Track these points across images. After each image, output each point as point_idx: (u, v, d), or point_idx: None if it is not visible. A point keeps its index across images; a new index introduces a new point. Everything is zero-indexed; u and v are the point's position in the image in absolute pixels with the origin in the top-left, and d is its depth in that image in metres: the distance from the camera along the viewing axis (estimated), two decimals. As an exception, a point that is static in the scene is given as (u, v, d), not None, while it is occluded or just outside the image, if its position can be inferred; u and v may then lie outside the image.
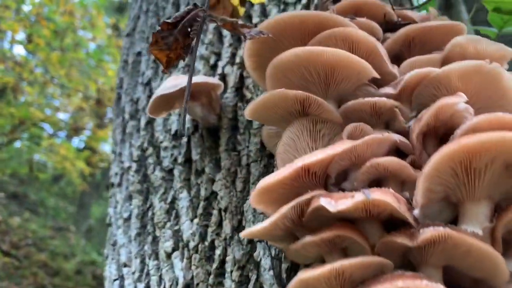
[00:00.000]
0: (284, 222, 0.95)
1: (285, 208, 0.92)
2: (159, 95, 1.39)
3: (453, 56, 1.13)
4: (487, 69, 0.99)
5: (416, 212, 0.88)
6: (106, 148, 15.68)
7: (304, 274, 0.86)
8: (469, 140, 0.80)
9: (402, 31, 1.17)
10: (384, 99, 1.04)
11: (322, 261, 0.99)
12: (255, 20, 1.61)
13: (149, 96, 1.80)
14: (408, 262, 0.93)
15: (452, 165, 0.84)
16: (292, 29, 1.16)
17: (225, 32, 1.67)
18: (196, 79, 1.40)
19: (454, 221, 0.93)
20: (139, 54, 1.98)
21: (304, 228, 0.97)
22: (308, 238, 0.92)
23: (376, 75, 1.06)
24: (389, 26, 1.29)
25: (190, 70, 1.04)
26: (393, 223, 0.94)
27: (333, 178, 1.01)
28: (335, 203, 0.86)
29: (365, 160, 0.99)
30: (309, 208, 0.92)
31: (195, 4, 1.10)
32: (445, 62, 1.14)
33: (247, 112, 1.13)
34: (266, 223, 0.93)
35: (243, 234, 0.97)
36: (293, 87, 1.12)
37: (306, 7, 1.59)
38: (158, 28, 1.07)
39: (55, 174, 16.99)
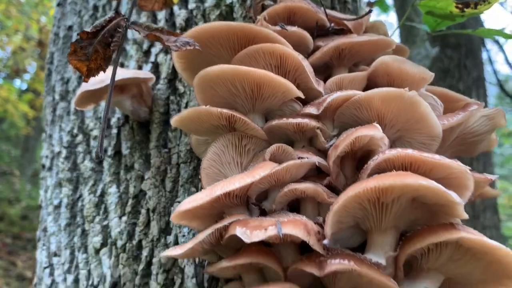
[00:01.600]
0: (203, 246, 0.97)
1: (202, 236, 0.94)
2: (84, 90, 1.33)
3: (378, 73, 1.15)
4: (407, 97, 1.02)
5: (326, 241, 0.92)
6: (51, 90, 15.00)
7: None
8: (375, 183, 0.84)
9: (332, 44, 1.16)
10: (306, 120, 1.05)
11: (240, 278, 1.03)
12: (191, 5, 1.55)
13: (80, 78, 1.72)
14: (321, 284, 0.99)
15: (360, 201, 0.88)
16: (220, 38, 1.13)
17: (160, 16, 1.60)
18: (125, 73, 1.35)
19: (364, 244, 0.99)
20: (70, 28, 1.86)
21: (224, 247, 1.00)
22: (224, 264, 0.95)
23: (300, 95, 1.07)
24: (321, 32, 1.28)
25: (110, 85, 1.00)
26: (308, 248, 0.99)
27: (253, 198, 1.04)
28: (250, 234, 0.89)
29: (285, 183, 1.01)
30: (226, 234, 0.95)
31: (116, 12, 1.04)
32: (370, 79, 1.16)
33: (173, 122, 1.12)
34: (184, 248, 0.95)
35: (162, 255, 0.99)
36: (220, 99, 1.11)
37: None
38: (77, 37, 1.01)
39: (-5, 117, 16.20)
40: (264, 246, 0.99)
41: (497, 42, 12.17)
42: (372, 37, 1.15)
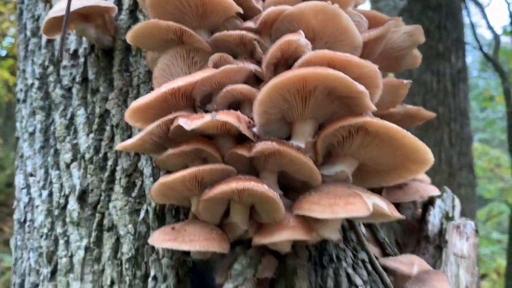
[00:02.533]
0: (152, 138, 1.14)
1: (151, 126, 1.10)
2: (50, 17, 1.46)
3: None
4: (330, 9, 1.17)
5: (255, 129, 1.09)
6: (31, 57, 14.82)
7: (164, 178, 1.07)
8: (292, 73, 1.00)
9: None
10: (244, 32, 1.20)
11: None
12: None
13: (49, 14, 1.84)
14: (254, 169, 1.17)
15: (282, 92, 1.05)
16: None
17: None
18: (89, 2, 1.48)
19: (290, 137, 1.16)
20: (38, -32, 1.96)
21: (172, 142, 1.17)
22: (170, 151, 1.12)
23: (239, 10, 1.21)
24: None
25: (67, 4, 1.14)
26: (245, 138, 1.15)
27: (198, 100, 1.20)
28: (190, 122, 1.05)
29: (224, 86, 1.17)
30: (172, 126, 1.11)
31: None
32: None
33: (128, 37, 1.26)
34: (135, 138, 1.12)
35: (117, 147, 1.15)
36: (170, 17, 1.25)
37: None
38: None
39: (-24, 84, 15.97)
40: (206, 139, 1.15)
41: (478, 4, 12.27)
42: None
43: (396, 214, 1.08)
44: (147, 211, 1.35)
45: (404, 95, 1.34)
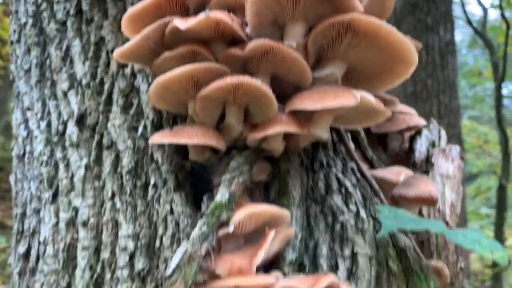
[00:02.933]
0: (148, 43, 1.19)
1: (146, 30, 1.15)
2: None
3: None
4: None
5: (248, 30, 1.14)
6: (17, 39, 14.63)
7: (161, 77, 1.12)
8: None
9: None
10: None
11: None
12: None
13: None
14: (248, 73, 1.22)
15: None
16: None
17: None
18: None
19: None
20: None
21: (167, 48, 1.22)
22: (167, 53, 1.17)
23: None
24: None
25: None
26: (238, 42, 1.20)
27: (192, 9, 1.24)
28: (185, 22, 1.10)
29: (217, -7, 1.22)
30: (167, 29, 1.16)
31: None
32: None
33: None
34: (131, 42, 1.16)
35: (114, 54, 1.20)
36: None
37: None
38: None
39: (-39, 68, 15.77)
40: (201, 42, 1.20)
41: (466, -22, 12.31)
42: None
43: (381, 107, 1.14)
44: (145, 125, 1.40)
45: (391, 8, 1.39)
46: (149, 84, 1.42)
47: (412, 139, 1.96)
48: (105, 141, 1.46)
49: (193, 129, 1.16)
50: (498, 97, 10.15)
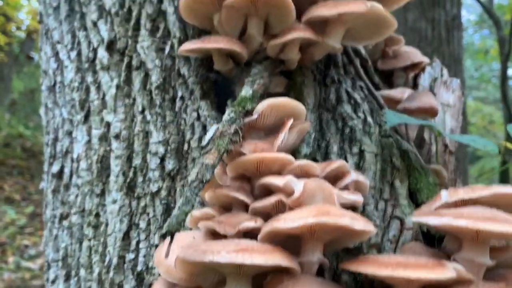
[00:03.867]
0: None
1: None
2: None
3: None
4: None
5: None
6: (22, 16, 14.74)
7: None
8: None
9: None
10: None
11: None
12: None
13: None
14: None
15: None
16: None
17: None
18: None
19: None
20: None
21: None
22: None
23: None
24: None
25: None
26: None
27: None
28: None
29: None
30: None
31: None
32: None
33: None
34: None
35: None
36: None
37: None
38: None
39: (-33, 43, 15.87)
40: None
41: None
42: None
43: (389, 15, 1.27)
44: (171, 46, 1.54)
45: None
46: (175, 7, 1.56)
47: (416, 77, 2.10)
48: (134, 62, 1.60)
49: (219, 37, 1.30)
50: (504, 72, 10.22)
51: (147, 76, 1.56)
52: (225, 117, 1.14)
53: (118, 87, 1.61)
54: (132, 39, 1.63)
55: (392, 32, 1.36)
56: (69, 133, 1.76)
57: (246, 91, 1.21)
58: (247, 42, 1.35)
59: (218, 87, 1.45)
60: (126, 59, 1.62)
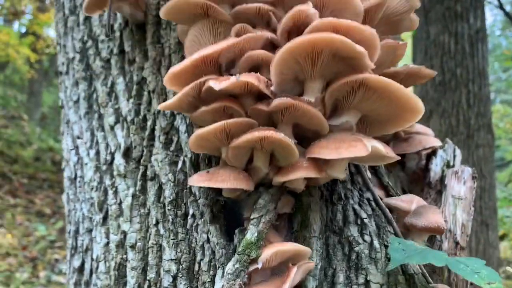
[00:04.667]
0: (187, 98, 1.37)
1: (186, 88, 1.34)
2: (91, -3, 1.69)
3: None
4: (334, -18, 1.36)
5: (272, 88, 1.31)
6: (51, 33, 15.15)
7: (199, 131, 1.31)
8: (302, 38, 1.22)
9: None
10: (261, 4, 1.41)
11: (217, 124, 1.44)
12: None
13: (85, -7, 2.06)
14: (273, 123, 1.40)
15: (294, 55, 1.27)
16: None
17: None
18: (122, -18, 1.70)
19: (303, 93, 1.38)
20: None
21: (203, 102, 1.40)
22: (203, 108, 1.36)
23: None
24: None
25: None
26: (264, 97, 1.38)
27: (224, 66, 1.42)
28: (219, 83, 1.28)
29: (245, 52, 1.39)
30: (203, 87, 1.34)
31: None
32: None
33: (161, 13, 1.48)
34: (174, 99, 1.35)
35: (160, 107, 1.39)
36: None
37: None
38: None
39: (-2, 62, 16.39)
40: (232, 98, 1.38)
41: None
42: None
43: (391, 154, 1.31)
44: (184, 161, 1.60)
45: (403, 55, 1.53)
46: (186, 125, 1.62)
47: (429, 157, 2.10)
48: (149, 173, 1.67)
49: (226, 172, 1.35)
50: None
51: (160, 188, 1.63)
52: (230, 268, 1.19)
53: (134, 196, 1.68)
54: (147, 149, 1.70)
55: (395, 160, 1.38)
56: (89, 231, 1.84)
57: (251, 234, 1.25)
58: (253, 172, 1.39)
59: (227, 210, 1.50)
60: (141, 168, 1.69)
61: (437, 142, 2.05)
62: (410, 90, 1.30)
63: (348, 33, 1.28)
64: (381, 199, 1.64)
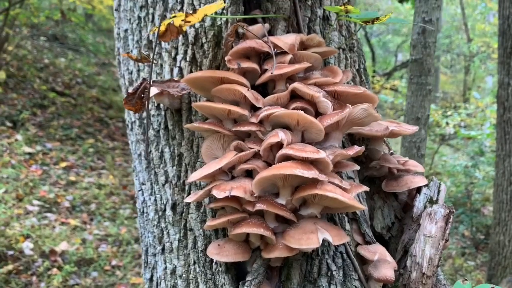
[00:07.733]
0: (202, 196, 2.07)
1: (201, 191, 2.03)
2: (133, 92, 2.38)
3: (293, 93, 2.04)
4: (298, 113, 1.92)
5: (255, 195, 1.96)
6: None
7: (213, 221, 2.02)
8: (270, 171, 1.84)
9: (267, 75, 2.05)
10: (251, 127, 2.02)
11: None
12: (197, 25, 2.43)
13: (138, 71, 2.75)
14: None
15: (269, 178, 1.89)
16: (203, 79, 2.08)
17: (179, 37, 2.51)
18: (160, 87, 2.36)
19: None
20: (126, 31, 2.84)
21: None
22: (211, 205, 2.05)
23: (244, 113, 2.02)
24: (267, 56, 2.15)
25: (147, 97, 2.05)
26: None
27: (227, 170, 2.08)
28: (219, 194, 1.96)
29: (240, 163, 2.03)
30: (211, 192, 2.03)
31: (144, 79, 2.04)
32: (292, 93, 2.06)
33: (193, 104, 2.15)
34: (196, 195, 2.06)
35: (186, 199, 2.11)
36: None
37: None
38: (125, 94, 2.04)
39: (85, 13, 17.81)
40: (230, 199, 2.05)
41: None
42: (293, 67, 2.02)
43: (337, 240, 1.92)
44: (209, 223, 2.34)
45: (379, 117, 2.09)
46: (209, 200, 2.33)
47: (419, 190, 2.62)
48: (188, 225, 2.44)
49: (230, 246, 2.07)
50: None
51: (195, 238, 2.39)
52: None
53: (179, 240, 2.47)
54: (186, 207, 2.45)
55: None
56: (154, 255, 2.69)
57: (245, 295, 1.99)
58: (250, 243, 2.09)
59: (238, 265, 2.23)
60: (183, 221, 2.46)
61: (422, 182, 2.55)
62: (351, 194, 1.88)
63: (307, 158, 1.87)
64: (359, 244, 2.27)
